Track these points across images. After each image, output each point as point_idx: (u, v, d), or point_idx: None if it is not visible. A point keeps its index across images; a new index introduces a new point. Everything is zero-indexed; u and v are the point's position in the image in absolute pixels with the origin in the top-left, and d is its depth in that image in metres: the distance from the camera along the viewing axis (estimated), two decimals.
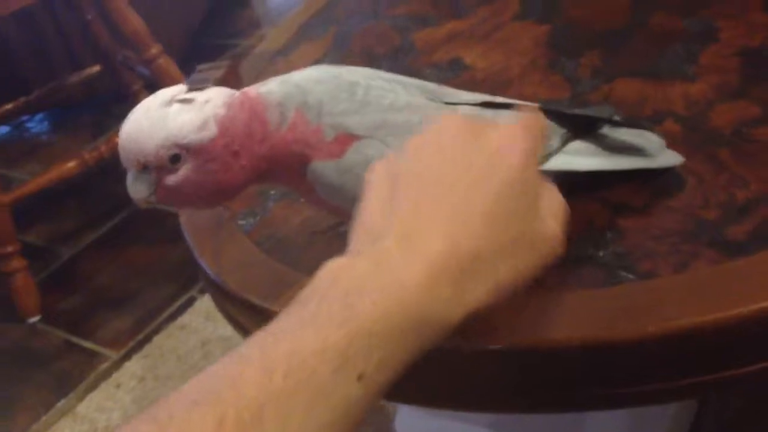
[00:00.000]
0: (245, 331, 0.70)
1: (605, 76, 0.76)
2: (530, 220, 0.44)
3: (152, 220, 1.80)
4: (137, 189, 0.49)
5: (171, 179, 0.49)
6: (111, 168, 1.89)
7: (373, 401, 0.37)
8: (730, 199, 0.58)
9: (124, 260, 1.71)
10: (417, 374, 0.56)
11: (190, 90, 0.49)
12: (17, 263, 1.58)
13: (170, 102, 0.49)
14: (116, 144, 1.67)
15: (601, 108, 0.63)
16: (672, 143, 0.65)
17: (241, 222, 0.73)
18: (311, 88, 0.54)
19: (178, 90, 0.50)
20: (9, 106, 1.88)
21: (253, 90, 0.53)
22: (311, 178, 0.54)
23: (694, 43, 0.77)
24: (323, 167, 0.53)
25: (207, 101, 0.49)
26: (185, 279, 1.60)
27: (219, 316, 1.49)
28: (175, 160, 0.48)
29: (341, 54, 0.95)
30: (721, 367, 0.52)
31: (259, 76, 0.96)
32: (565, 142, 0.59)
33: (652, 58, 0.77)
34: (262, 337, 0.38)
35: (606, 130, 0.60)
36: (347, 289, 0.39)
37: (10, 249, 1.57)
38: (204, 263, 0.70)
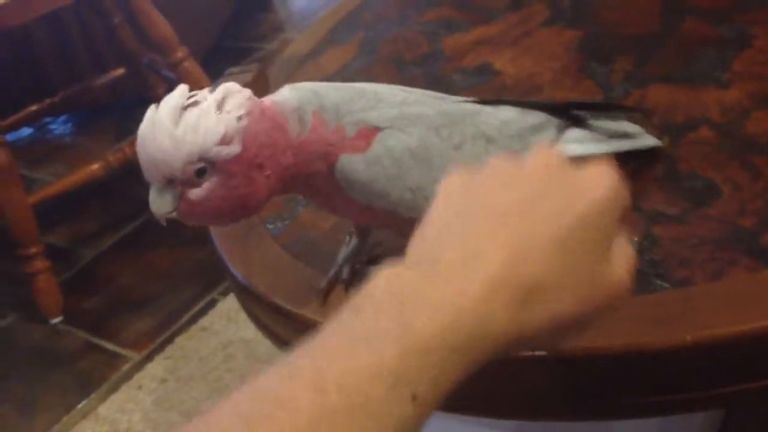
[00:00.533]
0: (272, 334, 0.70)
1: (637, 81, 0.76)
2: (600, 261, 0.42)
3: (172, 223, 1.80)
4: (161, 204, 0.48)
5: (195, 193, 0.48)
6: (134, 170, 1.89)
7: (425, 418, 0.37)
8: (767, 206, 0.58)
9: (146, 262, 1.72)
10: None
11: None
12: (40, 264, 1.59)
13: (183, 108, 0.47)
14: None
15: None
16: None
17: (269, 226, 0.73)
18: (325, 92, 0.54)
19: (182, 93, 0.48)
20: (33, 107, 1.89)
21: (268, 99, 0.52)
22: (340, 176, 0.53)
23: (728, 50, 0.76)
24: (351, 161, 0.53)
25: (227, 109, 0.47)
26: (207, 281, 1.60)
27: (241, 318, 1.50)
28: (201, 173, 0.47)
29: (369, 59, 0.95)
30: (757, 376, 0.51)
31: (288, 79, 0.96)
32: (561, 132, 0.61)
33: (684, 64, 0.76)
34: (313, 349, 0.37)
35: (592, 121, 0.63)
36: (403, 301, 0.38)
37: (33, 250, 1.58)
38: (233, 267, 0.70)
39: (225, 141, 0.47)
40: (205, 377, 1.38)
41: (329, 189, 0.54)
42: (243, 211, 0.50)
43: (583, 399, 0.54)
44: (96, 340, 1.57)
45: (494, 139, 0.58)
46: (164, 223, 0.48)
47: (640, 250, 0.57)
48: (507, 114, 0.59)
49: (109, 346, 1.54)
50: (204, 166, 0.47)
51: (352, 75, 0.93)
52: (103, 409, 1.40)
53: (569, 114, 0.62)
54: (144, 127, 0.46)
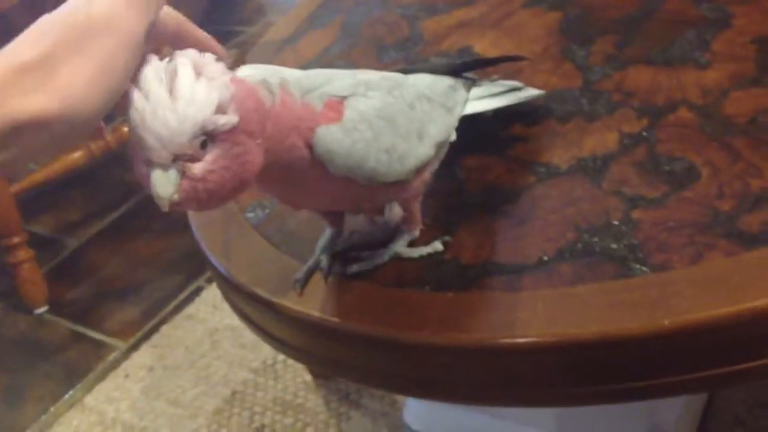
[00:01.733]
0: (253, 324, 0.70)
1: (617, 63, 0.75)
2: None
3: (157, 210, 1.78)
4: (167, 184, 0.45)
5: (198, 168, 0.46)
6: (117, 158, 1.89)
7: None
8: (746, 189, 0.58)
9: (130, 250, 1.70)
10: (440, 372, 0.56)
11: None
12: (24, 254, 1.57)
13: (170, 78, 0.45)
14: (123, 134, 1.67)
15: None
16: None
17: (249, 215, 0.72)
18: (283, 70, 0.54)
19: (158, 64, 0.46)
20: None
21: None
22: (321, 149, 0.53)
23: (708, 30, 0.76)
24: (330, 131, 0.53)
25: (210, 76, 0.46)
26: (192, 269, 1.60)
27: (226, 306, 1.48)
28: (204, 146, 0.45)
29: (349, 42, 0.94)
30: (736, 360, 0.51)
31: (268, 64, 0.95)
32: (467, 90, 0.68)
33: (664, 45, 0.76)
34: None
35: (482, 81, 0.71)
36: None
37: (16, 240, 1.56)
38: (213, 257, 0.69)
39: (221, 110, 0.45)
40: (192, 365, 1.38)
41: (304, 165, 0.53)
42: (242, 184, 0.48)
43: (565, 385, 0.54)
44: (82, 330, 1.56)
45: (432, 98, 0.62)
46: (166, 209, 0.46)
47: (619, 234, 0.57)
48: (426, 78, 0.63)
49: (95, 335, 1.54)
50: (205, 138, 0.45)
51: (332, 59, 0.92)
52: (90, 399, 1.39)
53: (462, 76, 0.68)
54: (140, 106, 0.44)
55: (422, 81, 0.63)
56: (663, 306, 0.51)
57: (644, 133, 0.66)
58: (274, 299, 0.63)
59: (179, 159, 0.45)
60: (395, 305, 0.58)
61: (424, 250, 0.61)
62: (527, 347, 0.52)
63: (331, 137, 0.53)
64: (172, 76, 0.45)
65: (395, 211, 0.60)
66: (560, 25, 0.85)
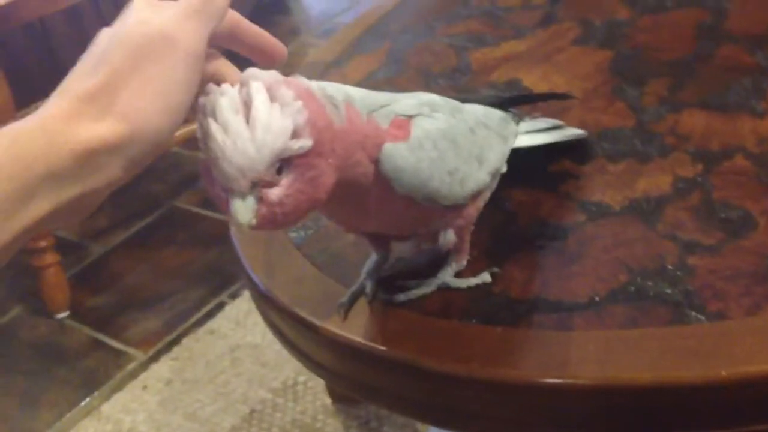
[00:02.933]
0: (291, 345, 0.69)
1: (670, 106, 0.75)
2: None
3: (185, 222, 1.80)
4: (247, 211, 0.45)
5: (275, 193, 0.46)
6: (147, 168, 1.88)
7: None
8: None
9: (155, 261, 1.71)
10: (482, 407, 0.55)
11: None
12: (50, 258, 1.58)
13: (244, 106, 0.45)
14: None
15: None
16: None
17: (292, 235, 0.72)
18: (346, 87, 0.54)
19: (232, 93, 0.46)
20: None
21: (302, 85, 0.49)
22: (388, 165, 0.53)
23: (763, 78, 0.75)
24: (397, 148, 0.53)
25: (283, 101, 0.45)
26: (216, 283, 1.60)
27: (249, 323, 1.49)
28: (280, 171, 0.46)
29: (396, 69, 0.94)
30: None
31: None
32: (516, 123, 0.67)
33: (719, 91, 0.75)
34: None
35: (526, 117, 0.71)
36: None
37: (43, 243, 1.57)
38: (255, 275, 0.69)
39: (296, 135, 0.46)
40: (211, 381, 1.37)
41: (368, 183, 0.53)
42: (316, 203, 0.48)
43: (613, 430, 0.53)
44: (102, 337, 1.56)
45: (490, 126, 0.62)
46: (247, 233, 0.47)
47: (675, 280, 0.56)
48: (479, 108, 0.63)
49: (115, 344, 1.53)
50: (280, 164, 0.46)
51: (378, 84, 0.92)
52: (107, 408, 1.39)
53: (509, 110, 0.68)
54: (220, 139, 0.44)
55: (477, 109, 0.63)
56: (720, 355, 0.50)
57: (699, 179, 0.65)
58: (316, 321, 0.62)
59: (257, 186, 0.45)
60: (441, 336, 0.57)
61: (473, 281, 0.61)
62: (578, 389, 0.51)
63: (398, 154, 0.53)
64: (248, 104, 0.45)
65: (449, 239, 0.59)
66: (611, 64, 0.84)
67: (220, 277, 1.61)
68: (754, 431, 0.50)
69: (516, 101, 0.70)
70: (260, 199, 0.46)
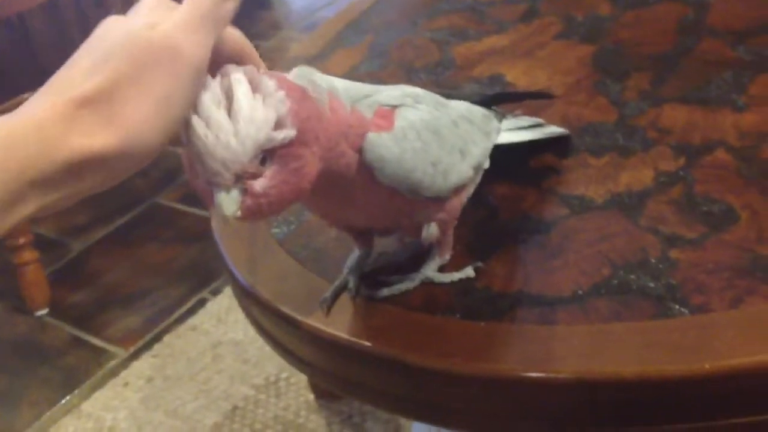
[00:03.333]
0: (273, 341, 0.69)
1: (652, 100, 0.75)
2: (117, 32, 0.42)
3: (166, 219, 1.79)
4: (231, 203, 0.45)
5: (260, 184, 0.46)
6: None
7: None
8: None
9: (135, 258, 1.69)
10: (466, 401, 0.55)
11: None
12: (29, 255, 1.56)
13: (226, 98, 0.45)
14: None
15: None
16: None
17: (275, 230, 0.71)
18: (330, 78, 0.53)
19: (214, 86, 0.45)
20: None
21: (285, 76, 0.49)
22: (371, 155, 0.53)
23: (744, 72, 0.75)
24: (381, 138, 0.53)
25: (266, 92, 0.45)
26: (197, 280, 1.59)
27: (230, 320, 1.48)
28: (263, 162, 0.46)
29: (378, 63, 0.94)
30: None
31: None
32: (499, 121, 0.67)
33: (700, 85, 0.75)
34: None
35: (509, 115, 0.71)
36: None
37: (22, 240, 1.55)
38: (237, 271, 0.68)
39: (279, 125, 0.45)
40: (193, 378, 1.36)
41: (351, 174, 0.53)
42: (300, 193, 0.48)
43: (593, 424, 0.53)
44: (82, 335, 1.54)
45: (474, 121, 0.62)
46: (232, 225, 0.46)
47: (657, 273, 0.56)
48: (462, 104, 0.63)
49: (96, 341, 1.52)
50: (264, 155, 0.45)
51: (361, 78, 0.91)
52: (88, 406, 1.38)
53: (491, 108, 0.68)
54: (202, 133, 0.44)
55: (461, 105, 0.63)
56: (703, 349, 0.50)
57: (681, 173, 0.65)
58: (299, 317, 0.62)
59: (240, 178, 0.45)
60: (424, 331, 0.57)
61: (456, 276, 0.60)
62: (562, 383, 0.51)
63: (382, 144, 0.53)
64: (229, 96, 0.45)
65: (432, 232, 0.59)
66: (593, 59, 0.84)
67: (202, 273, 1.60)
68: (737, 424, 0.50)
69: (498, 99, 0.70)
70: (244, 191, 0.46)
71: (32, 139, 0.39)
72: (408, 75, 0.90)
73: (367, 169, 0.53)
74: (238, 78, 0.45)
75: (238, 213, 0.46)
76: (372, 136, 0.53)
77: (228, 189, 0.45)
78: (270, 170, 0.46)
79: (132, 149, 0.41)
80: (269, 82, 0.46)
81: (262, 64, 0.50)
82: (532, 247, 0.62)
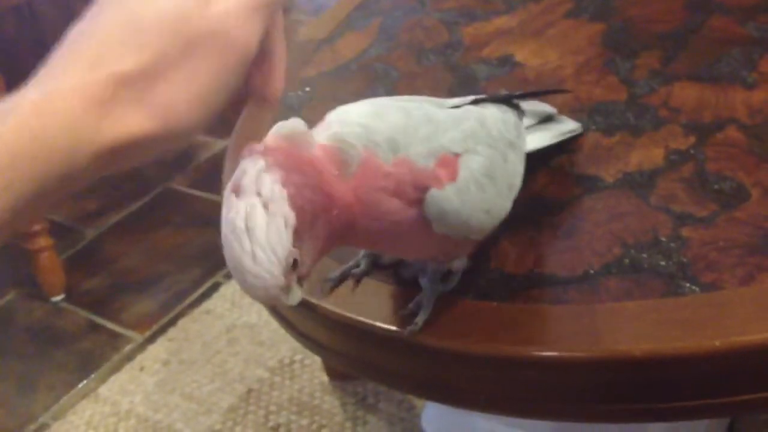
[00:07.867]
0: (287, 323, 0.70)
1: (662, 78, 0.75)
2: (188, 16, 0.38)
3: (178, 203, 1.80)
4: (296, 297, 0.47)
5: (305, 268, 0.47)
6: None
7: None
8: None
9: (149, 243, 1.70)
10: (479, 381, 0.56)
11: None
12: (44, 241, 1.57)
13: (246, 227, 0.44)
14: None
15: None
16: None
17: None
18: (376, 127, 0.51)
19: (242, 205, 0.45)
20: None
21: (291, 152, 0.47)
22: (433, 209, 0.51)
23: (754, 49, 0.75)
24: (445, 193, 0.51)
25: (275, 201, 0.44)
26: (211, 264, 1.59)
27: (245, 303, 1.49)
28: (296, 264, 0.46)
29: (387, 46, 0.94)
30: None
31: (304, 63, 0.95)
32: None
33: (710, 62, 0.75)
34: None
35: (524, 105, 0.65)
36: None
37: (37, 227, 1.56)
38: None
39: (297, 234, 0.45)
40: (208, 361, 1.38)
41: (404, 226, 0.51)
42: (331, 245, 0.50)
43: (606, 402, 0.53)
44: (98, 320, 1.56)
45: (514, 144, 0.59)
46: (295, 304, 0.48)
47: (669, 252, 0.56)
48: (495, 113, 0.59)
49: (111, 326, 1.53)
50: (294, 258, 0.46)
51: (371, 61, 0.92)
52: (104, 390, 1.39)
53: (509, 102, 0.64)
54: (237, 273, 0.45)
55: (497, 118, 0.59)
56: (714, 326, 0.50)
57: (692, 151, 0.65)
58: (313, 300, 0.63)
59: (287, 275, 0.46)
60: (438, 312, 0.58)
61: (455, 278, 0.60)
62: (574, 362, 0.51)
63: (444, 197, 0.51)
64: (250, 228, 0.44)
65: (462, 265, 0.58)
66: (603, 37, 0.84)
67: (215, 257, 1.60)
68: (749, 400, 0.50)
69: (520, 97, 0.66)
70: (297, 279, 0.47)
71: (64, 133, 0.35)
72: (418, 57, 0.90)
73: (423, 219, 0.51)
74: (252, 204, 0.44)
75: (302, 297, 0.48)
76: (437, 194, 0.51)
77: (286, 290, 0.46)
78: (303, 255, 0.46)
79: (168, 133, 0.38)
80: (272, 186, 0.44)
81: (284, 62, 0.45)
82: (543, 227, 0.62)
